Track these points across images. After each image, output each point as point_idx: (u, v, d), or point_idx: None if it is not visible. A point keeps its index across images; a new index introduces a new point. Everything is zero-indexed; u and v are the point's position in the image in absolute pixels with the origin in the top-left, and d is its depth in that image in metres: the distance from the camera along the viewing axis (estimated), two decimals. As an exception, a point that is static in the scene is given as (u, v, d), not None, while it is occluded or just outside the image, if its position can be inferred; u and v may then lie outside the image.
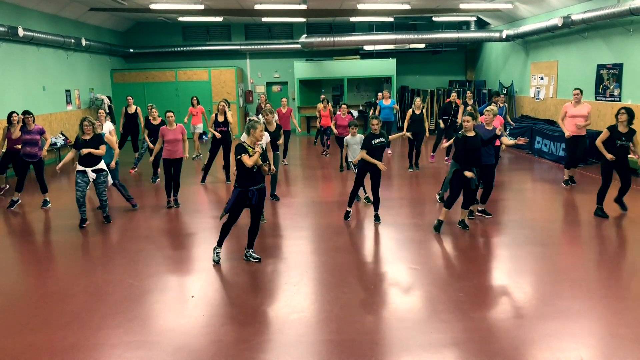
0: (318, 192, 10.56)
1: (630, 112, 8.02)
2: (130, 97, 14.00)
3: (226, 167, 11.92)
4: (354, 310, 5.27)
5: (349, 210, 8.54)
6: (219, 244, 6.68)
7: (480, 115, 8.54)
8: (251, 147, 6.35)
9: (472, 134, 7.50)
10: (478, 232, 7.78)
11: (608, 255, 6.84)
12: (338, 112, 13.38)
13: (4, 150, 10.07)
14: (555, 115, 15.19)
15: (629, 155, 8.16)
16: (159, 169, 11.80)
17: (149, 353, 4.54)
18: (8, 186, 11.00)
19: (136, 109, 13.76)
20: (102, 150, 8.27)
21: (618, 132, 8.06)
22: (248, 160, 6.22)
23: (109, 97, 18.61)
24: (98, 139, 8.28)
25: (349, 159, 9.20)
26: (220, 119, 11.53)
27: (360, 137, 8.87)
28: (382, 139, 7.99)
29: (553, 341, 4.55)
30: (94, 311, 5.36)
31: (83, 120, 8.28)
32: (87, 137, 8.22)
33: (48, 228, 8.73)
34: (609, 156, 8.03)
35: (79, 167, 8.23)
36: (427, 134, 12.51)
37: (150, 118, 11.72)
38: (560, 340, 4.56)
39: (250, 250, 6.73)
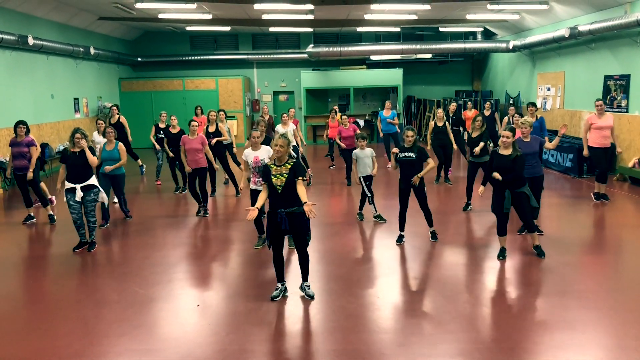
0: (325, 205, 10.56)
1: None
2: (115, 107, 13.56)
3: (231, 179, 11.40)
4: (360, 320, 5.25)
5: (402, 234, 7.81)
6: (279, 279, 5.86)
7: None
8: (274, 165, 5.68)
9: (507, 152, 6.75)
10: (483, 242, 7.75)
11: (615, 266, 6.79)
12: (335, 122, 13.26)
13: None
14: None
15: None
16: (178, 178, 11.78)
17: (154, 361, 4.54)
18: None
19: (119, 118, 13.08)
20: (94, 159, 7.60)
21: None
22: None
23: (116, 106, 18.68)
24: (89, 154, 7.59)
25: (358, 175, 8.64)
26: (211, 129, 11.01)
27: (370, 150, 8.61)
28: (411, 154, 7.39)
29: (560, 352, 4.52)
30: (99, 318, 5.37)
31: (75, 132, 7.56)
32: (77, 150, 7.55)
33: (53, 237, 8.76)
34: None
35: (68, 185, 7.50)
36: (454, 146, 11.66)
37: (170, 127, 11.40)
38: (567, 352, 4.53)
39: (304, 284, 5.88)
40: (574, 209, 9.76)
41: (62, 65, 15.67)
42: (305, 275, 5.89)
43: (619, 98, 12.69)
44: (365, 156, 8.62)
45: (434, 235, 7.83)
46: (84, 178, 7.51)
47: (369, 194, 8.72)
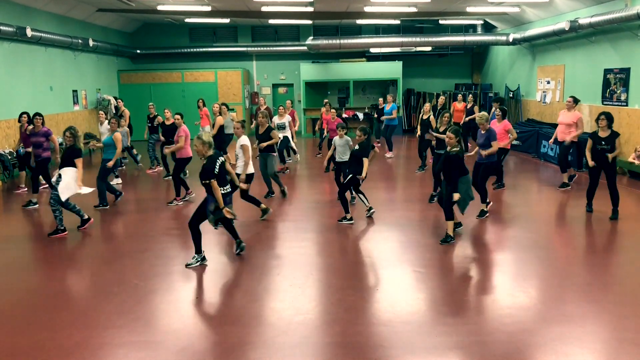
0: (322, 193, 10.57)
1: (609, 117, 8.42)
2: (120, 100, 14.45)
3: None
4: (359, 312, 5.27)
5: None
6: (234, 236, 7.01)
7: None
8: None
9: (454, 150, 7.26)
10: (483, 235, 7.76)
11: (614, 260, 6.82)
12: (329, 115, 13.56)
13: (26, 150, 10.49)
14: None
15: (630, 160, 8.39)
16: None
17: (154, 353, 4.56)
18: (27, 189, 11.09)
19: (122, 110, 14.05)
20: (78, 163, 8.08)
21: (598, 137, 8.43)
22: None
23: (115, 98, 18.67)
24: (71, 152, 8.08)
25: (336, 159, 9.40)
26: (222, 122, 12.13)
27: (347, 139, 9.24)
28: (358, 149, 8.31)
29: (558, 345, 4.53)
30: (99, 311, 5.39)
31: (65, 131, 8.17)
32: (67, 146, 8.18)
33: (51, 229, 8.78)
34: (590, 163, 8.52)
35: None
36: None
37: (165, 120, 11.94)
38: (565, 345, 4.55)
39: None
40: (572, 203, 9.77)
41: (61, 57, 15.62)
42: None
43: (618, 91, 12.67)
44: (340, 145, 9.23)
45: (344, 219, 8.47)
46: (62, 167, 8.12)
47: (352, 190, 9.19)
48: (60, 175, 8.00)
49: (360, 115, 20.27)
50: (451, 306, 5.35)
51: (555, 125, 15.08)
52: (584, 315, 5.13)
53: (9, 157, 12.32)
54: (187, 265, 6.57)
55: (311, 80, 20.54)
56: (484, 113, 9.06)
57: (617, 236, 7.77)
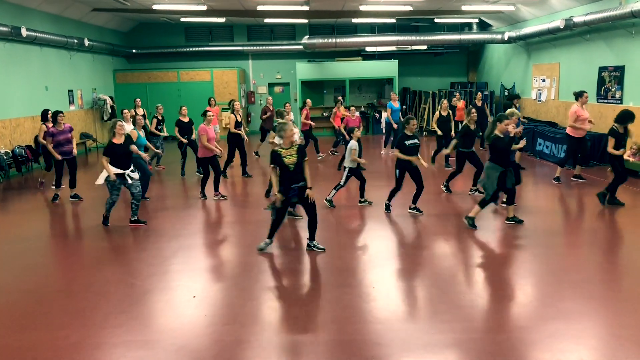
0: (321, 192, 10.56)
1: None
2: (138, 99, 14.15)
3: (243, 164, 12.41)
4: (356, 310, 5.28)
5: (388, 203, 8.86)
6: (269, 236, 6.96)
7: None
8: (284, 149, 6.65)
9: (501, 134, 7.74)
10: (480, 233, 7.78)
11: (610, 257, 6.84)
12: (347, 114, 13.58)
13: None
14: (557, 117, 15.20)
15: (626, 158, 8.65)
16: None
17: (151, 352, 4.56)
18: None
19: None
20: (135, 148, 8.46)
21: (621, 134, 8.82)
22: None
23: (111, 97, 18.65)
24: (129, 140, 8.27)
25: (344, 163, 9.28)
26: (240, 119, 12.18)
27: (353, 143, 9.09)
28: (416, 140, 8.39)
29: (554, 342, 4.55)
30: (96, 310, 5.38)
31: (116, 122, 8.10)
32: (121, 141, 8.09)
33: (55, 227, 8.76)
34: (621, 152, 8.82)
35: (117, 171, 8.02)
36: (452, 133, 12.71)
37: (181, 117, 12.23)
38: (561, 342, 4.57)
39: (313, 242, 6.97)
40: (569, 200, 9.80)
41: (56, 57, 15.58)
42: (312, 236, 6.96)
43: (613, 89, 12.72)
44: (353, 147, 9.04)
45: (418, 209, 8.75)
46: (130, 164, 8.17)
47: (342, 183, 9.25)
48: (134, 171, 8.24)
49: (356, 114, 20.25)
50: (448, 304, 5.37)
51: (551, 123, 15.21)
52: (581, 312, 5.15)
53: (5, 157, 12.30)
54: (259, 249, 6.93)
55: (307, 79, 20.54)
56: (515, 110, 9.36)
57: (614, 233, 7.79)
